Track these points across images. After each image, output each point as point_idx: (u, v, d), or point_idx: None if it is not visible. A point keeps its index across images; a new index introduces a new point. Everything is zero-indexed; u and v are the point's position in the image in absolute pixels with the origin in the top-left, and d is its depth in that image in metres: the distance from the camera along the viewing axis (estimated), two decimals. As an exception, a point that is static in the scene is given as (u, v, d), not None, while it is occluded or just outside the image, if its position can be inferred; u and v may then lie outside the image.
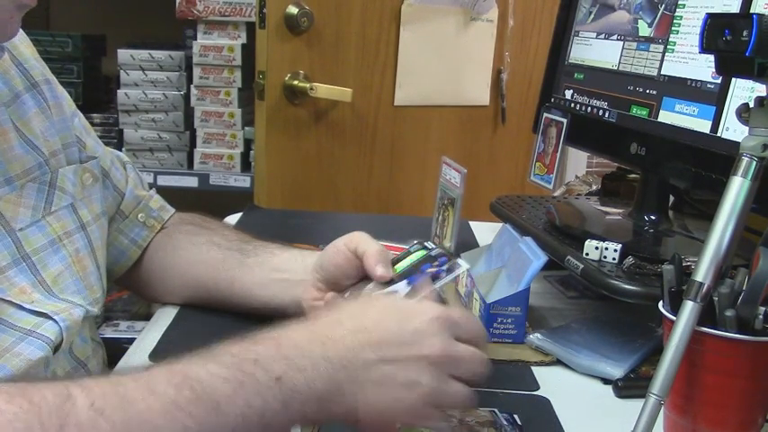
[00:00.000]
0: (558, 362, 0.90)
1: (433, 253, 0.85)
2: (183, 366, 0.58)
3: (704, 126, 0.91)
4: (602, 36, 1.13)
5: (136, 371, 0.58)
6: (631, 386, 0.84)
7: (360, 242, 0.85)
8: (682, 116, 0.95)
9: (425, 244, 0.88)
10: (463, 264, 0.81)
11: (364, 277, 0.87)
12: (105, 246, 0.93)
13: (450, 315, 0.67)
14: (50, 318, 0.77)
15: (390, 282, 0.84)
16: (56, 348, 0.77)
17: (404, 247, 0.87)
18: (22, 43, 0.88)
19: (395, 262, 0.85)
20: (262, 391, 0.59)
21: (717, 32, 0.67)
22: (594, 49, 1.14)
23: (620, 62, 1.08)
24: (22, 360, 0.73)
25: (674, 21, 0.98)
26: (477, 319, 0.70)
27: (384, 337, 0.64)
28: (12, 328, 0.74)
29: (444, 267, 0.83)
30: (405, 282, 0.84)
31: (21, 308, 0.76)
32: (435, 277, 0.82)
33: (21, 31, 0.88)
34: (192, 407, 0.56)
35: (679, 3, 0.98)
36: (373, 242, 0.85)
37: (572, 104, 1.17)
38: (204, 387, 0.57)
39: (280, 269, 0.93)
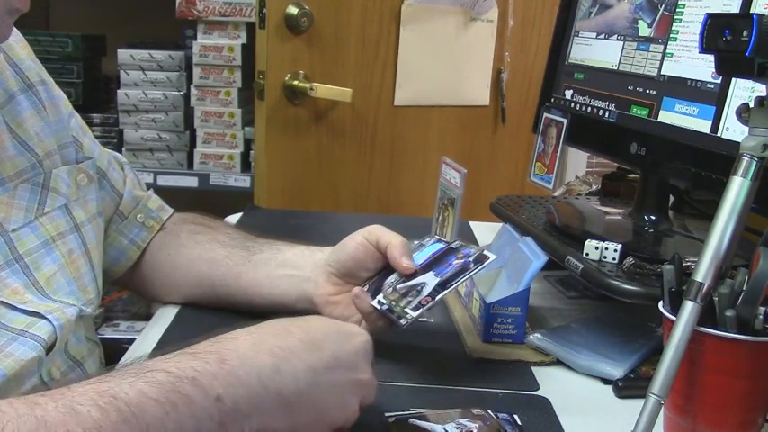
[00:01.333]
0: (558, 362, 0.90)
1: (455, 245, 0.86)
2: (112, 384, 0.54)
3: (704, 126, 0.91)
4: (602, 36, 1.13)
5: (64, 387, 0.54)
6: (631, 386, 0.84)
7: (381, 235, 0.87)
8: (682, 116, 0.95)
9: (440, 239, 0.89)
10: (491, 254, 0.82)
11: (381, 270, 0.87)
12: (101, 246, 0.93)
13: (370, 341, 0.69)
14: (43, 317, 0.77)
15: (414, 274, 0.84)
16: (49, 348, 0.77)
17: None
18: (17, 44, 0.88)
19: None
20: (196, 413, 0.55)
21: (717, 32, 0.67)
22: (594, 49, 1.14)
23: (620, 62, 1.08)
24: (14, 360, 0.72)
25: (674, 21, 0.98)
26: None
27: (334, 355, 0.64)
28: (4, 329, 0.74)
29: (471, 258, 0.83)
30: (431, 273, 0.84)
31: (13, 308, 0.76)
32: (464, 269, 0.82)
33: (17, 31, 0.88)
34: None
35: (679, 3, 0.98)
36: (395, 234, 0.87)
37: (572, 104, 1.17)
38: (132, 410, 0.52)
39: (286, 265, 0.93)
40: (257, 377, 0.59)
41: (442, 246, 0.88)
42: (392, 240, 0.85)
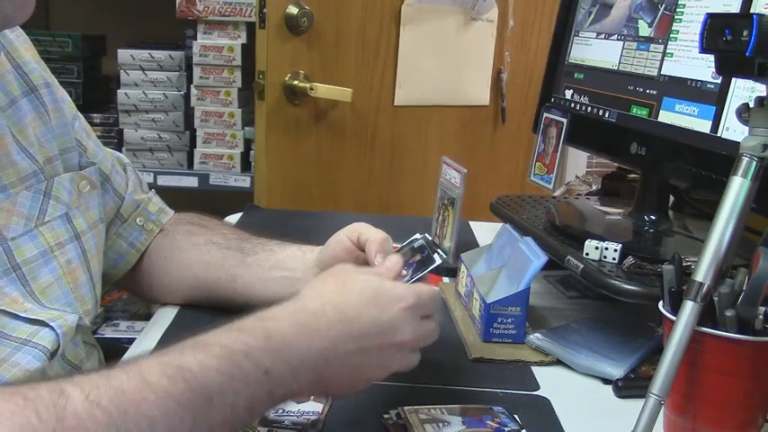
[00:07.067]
0: (558, 362, 0.90)
1: (416, 245, 0.85)
2: (174, 357, 0.59)
3: (704, 126, 0.91)
4: (603, 36, 1.13)
5: (126, 362, 0.59)
6: (631, 386, 0.84)
7: (362, 231, 0.86)
8: (682, 116, 0.95)
9: (424, 234, 0.86)
10: (437, 258, 0.81)
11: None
12: (102, 252, 0.92)
13: (421, 299, 0.73)
14: (47, 325, 0.77)
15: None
16: (52, 355, 0.76)
17: (398, 246, 0.86)
18: (22, 45, 0.87)
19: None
20: (250, 383, 0.61)
21: (717, 32, 0.67)
22: (594, 49, 1.14)
23: (620, 62, 1.08)
24: (20, 370, 0.73)
25: (675, 21, 0.98)
26: (437, 294, 0.76)
27: (364, 329, 0.69)
28: (7, 339, 0.74)
29: (415, 260, 0.82)
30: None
31: (15, 317, 0.75)
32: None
33: (21, 31, 0.87)
34: (185, 399, 0.57)
35: (679, 3, 0.98)
36: (376, 231, 0.85)
37: (572, 104, 1.17)
38: (197, 378, 0.58)
39: (279, 267, 0.93)
40: (296, 355, 0.65)
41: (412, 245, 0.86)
42: (371, 236, 0.84)
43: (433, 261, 0.80)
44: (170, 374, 0.57)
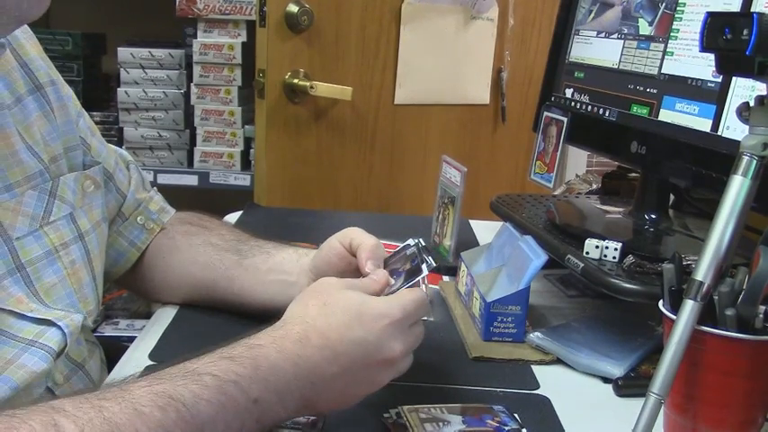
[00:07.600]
0: (558, 361, 0.90)
1: (409, 252, 0.83)
2: (167, 387, 0.60)
3: (705, 125, 0.91)
4: (603, 35, 1.13)
5: (117, 389, 0.59)
6: (631, 385, 0.84)
7: (354, 237, 0.85)
8: (682, 115, 0.95)
9: (417, 240, 0.85)
10: (425, 268, 0.78)
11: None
12: (104, 251, 0.92)
13: (406, 311, 0.72)
14: (54, 324, 0.77)
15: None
16: (57, 355, 0.76)
17: (397, 244, 0.86)
18: (28, 42, 0.87)
19: (387, 260, 0.83)
20: (240, 413, 0.62)
21: (717, 31, 0.67)
22: (595, 48, 1.14)
23: (620, 61, 1.08)
24: (26, 372, 0.73)
25: (675, 19, 0.98)
26: (424, 297, 0.74)
27: (348, 351, 0.69)
28: (13, 339, 0.74)
29: (405, 269, 0.80)
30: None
31: (22, 317, 0.75)
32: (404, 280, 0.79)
33: (27, 28, 0.87)
34: (177, 429, 0.58)
35: (679, 1, 0.98)
36: (368, 236, 0.84)
37: (572, 103, 1.17)
38: (189, 409, 0.59)
39: (275, 270, 0.93)
40: (284, 384, 0.66)
41: (405, 252, 0.84)
42: (362, 243, 0.83)
43: (420, 272, 0.78)
44: (162, 405, 0.58)
